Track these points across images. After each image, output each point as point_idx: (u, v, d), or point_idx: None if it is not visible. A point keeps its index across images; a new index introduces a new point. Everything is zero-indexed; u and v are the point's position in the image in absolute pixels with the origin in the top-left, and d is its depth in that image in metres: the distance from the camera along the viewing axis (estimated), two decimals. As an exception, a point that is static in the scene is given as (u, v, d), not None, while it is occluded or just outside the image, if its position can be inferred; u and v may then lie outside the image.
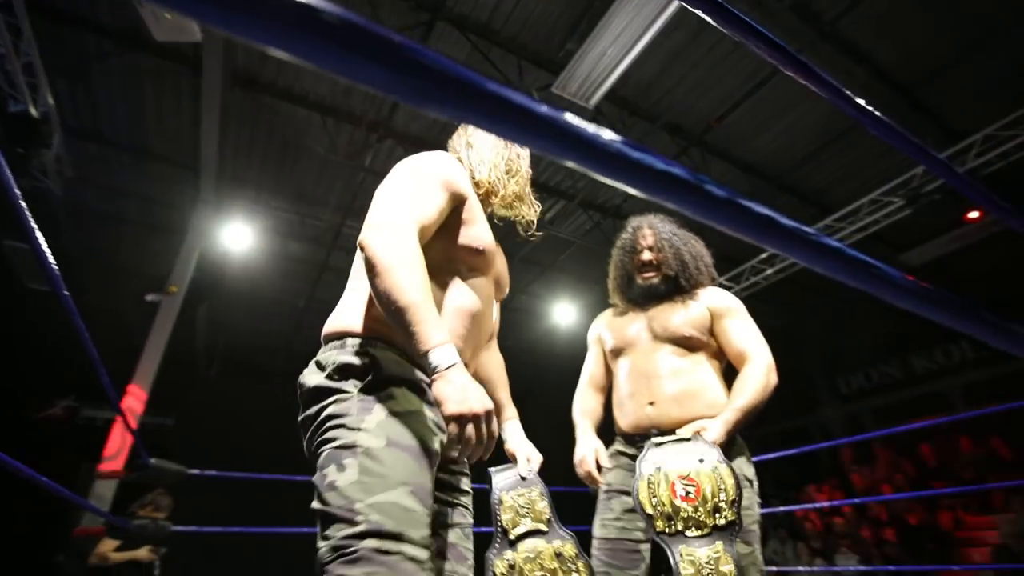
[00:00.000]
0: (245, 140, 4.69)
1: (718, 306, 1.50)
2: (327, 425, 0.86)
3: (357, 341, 0.92)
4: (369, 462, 0.80)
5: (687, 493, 1.15)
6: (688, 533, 1.12)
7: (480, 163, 1.15)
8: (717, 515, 1.14)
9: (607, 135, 0.32)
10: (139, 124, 4.49)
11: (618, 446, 1.50)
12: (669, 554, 1.11)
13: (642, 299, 1.56)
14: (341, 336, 0.94)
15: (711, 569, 1.08)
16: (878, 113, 0.97)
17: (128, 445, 3.82)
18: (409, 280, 0.83)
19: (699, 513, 1.14)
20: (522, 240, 1.31)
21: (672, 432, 1.33)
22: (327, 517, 0.80)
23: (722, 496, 1.15)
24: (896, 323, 7.88)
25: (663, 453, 1.23)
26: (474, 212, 1.05)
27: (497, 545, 1.09)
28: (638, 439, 1.41)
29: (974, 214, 5.23)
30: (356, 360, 0.90)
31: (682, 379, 1.41)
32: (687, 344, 1.45)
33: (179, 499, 5.98)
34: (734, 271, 6.10)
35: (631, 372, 1.49)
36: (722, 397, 1.42)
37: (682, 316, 1.48)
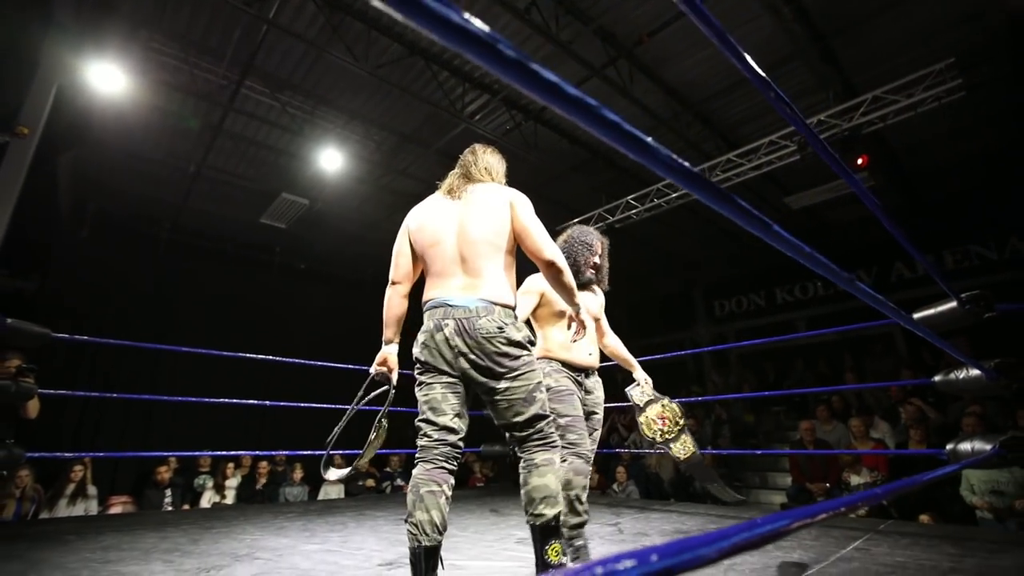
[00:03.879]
0: (116, -43, 3.89)
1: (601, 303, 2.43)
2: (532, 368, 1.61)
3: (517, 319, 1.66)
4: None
5: (663, 422, 2.39)
6: (660, 439, 2.46)
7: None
8: (676, 425, 2.45)
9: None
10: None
11: (563, 366, 2.16)
12: (665, 449, 2.48)
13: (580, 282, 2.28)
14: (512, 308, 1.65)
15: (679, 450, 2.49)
16: (760, 71, 1.03)
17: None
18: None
19: (667, 430, 2.42)
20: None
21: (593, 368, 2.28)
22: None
23: (677, 418, 2.46)
24: (769, 260, 8.87)
25: (648, 408, 2.44)
26: None
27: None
28: (578, 371, 2.19)
29: (860, 160, 5.53)
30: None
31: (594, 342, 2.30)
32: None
33: (51, 364, 5.61)
34: (642, 191, 6.39)
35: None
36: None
37: (594, 301, 2.34)
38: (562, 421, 2.04)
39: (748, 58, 0.99)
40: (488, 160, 1.82)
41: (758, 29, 4.52)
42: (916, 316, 2.55)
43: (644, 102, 5.24)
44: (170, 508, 5.03)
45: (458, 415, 1.58)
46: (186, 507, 5.20)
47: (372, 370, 1.71)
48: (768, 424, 7.32)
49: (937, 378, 2.69)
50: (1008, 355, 2.44)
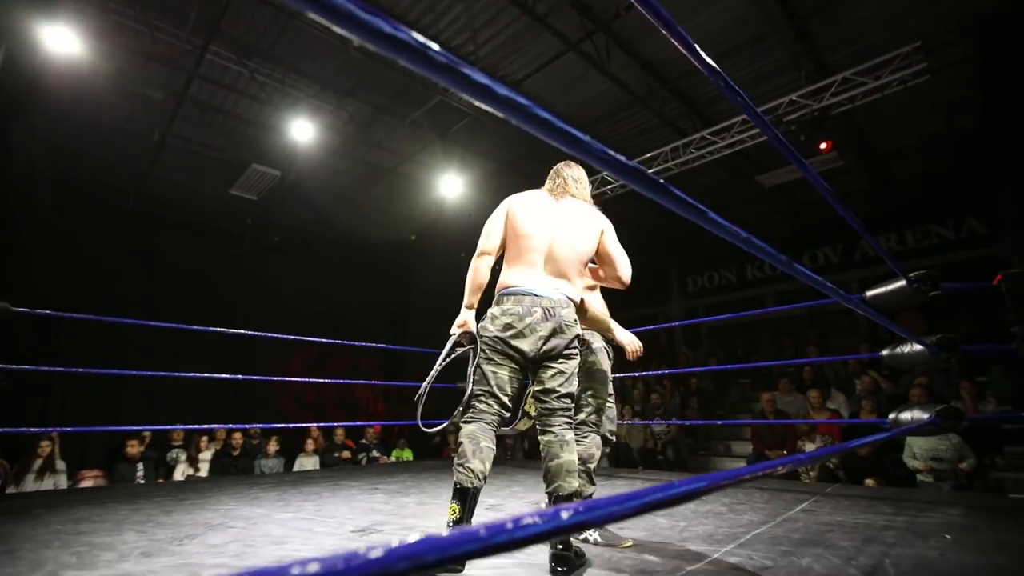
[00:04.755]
0: (65, -92, 3.66)
1: None
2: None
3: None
4: None
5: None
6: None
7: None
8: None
9: (338, -6, 0.37)
10: None
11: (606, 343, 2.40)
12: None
13: None
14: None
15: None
16: (711, 61, 1.05)
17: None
18: None
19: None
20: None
21: None
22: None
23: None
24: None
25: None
26: None
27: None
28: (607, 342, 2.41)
29: (824, 145, 5.76)
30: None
31: None
32: None
33: (12, 338, 5.45)
34: (617, 169, 6.42)
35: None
36: None
37: None
38: (601, 403, 2.22)
39: (698, 48, 1.02)
40: (576, 173, 2.12)
41: (733, 7, 4.53)
42: (869, 294, 2.68)
43: (620, 77, 5.22)
44: (142, 482, 5.03)
45: (512, 398, 1.84)
46: (159, 481, 5.20)
47: (453, 331, 1.88)
48: (734, 395, 7.62)
49: (885, 352, 2.84)
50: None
